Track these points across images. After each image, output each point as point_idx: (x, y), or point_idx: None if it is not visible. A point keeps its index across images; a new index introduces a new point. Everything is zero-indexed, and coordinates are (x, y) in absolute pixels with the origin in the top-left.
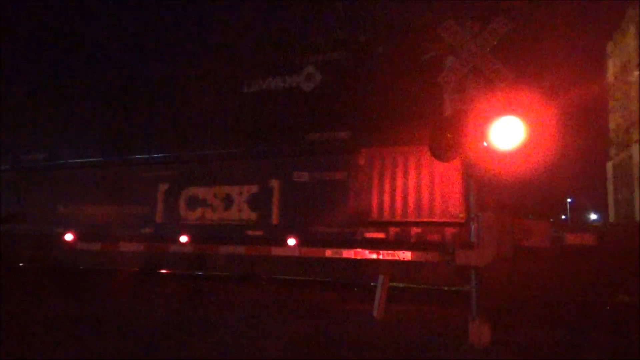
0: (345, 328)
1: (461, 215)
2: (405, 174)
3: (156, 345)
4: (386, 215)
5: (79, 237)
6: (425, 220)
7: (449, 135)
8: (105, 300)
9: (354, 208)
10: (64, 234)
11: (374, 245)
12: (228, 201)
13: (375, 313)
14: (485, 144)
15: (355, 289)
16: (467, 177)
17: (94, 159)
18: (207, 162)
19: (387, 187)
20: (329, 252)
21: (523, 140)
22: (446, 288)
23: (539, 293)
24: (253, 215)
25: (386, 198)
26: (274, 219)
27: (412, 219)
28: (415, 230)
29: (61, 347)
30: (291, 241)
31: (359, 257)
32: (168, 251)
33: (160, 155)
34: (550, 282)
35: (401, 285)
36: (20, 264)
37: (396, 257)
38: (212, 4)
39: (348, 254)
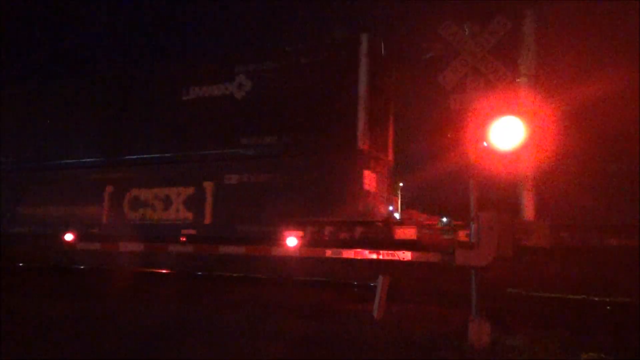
0: (345, 328)
1: (372, 214)
2: (322, 176)
3: (156, 345)
4: (304, 215)
5: (78, 237)
6: (337, 219)
7: (449, 135)
8: (105, 300)
9: (277, 208)
10: (65, 234)
11: (374, 245)
12: (167, 202)
13: (375, 313)
14: (485, 144)
15: (355, 289)
16: (467, 177)
17: (45, 163)
18: (149, 165)
19: (305, 188)
20: (328, 252)
21: (523, 140)
22: (446, 288)
23: (539, 293)
24: (189, 215)
25: (304, 199)
26: (207, 218)
27: (326, 218)
28: (328, 229)
29: (61, 347)
30: (292, 241)
31: (359, 257)
32: (166, 251)
33: (107, 159)
34: (550, 282)
35: (401, 285)
36: (20, 264)
37: (396, 257)
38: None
39: (348, 254)
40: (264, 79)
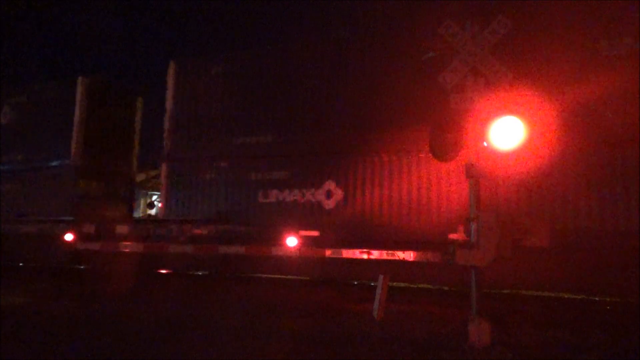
0: (345, 328)
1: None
2: (50, 185)
3: (156, 345)
4: (40, 215)
5: (78, 237)
6: (60, 218)
7: (449, 135)
8: (105, 300)
9: (25, 209)
10: (65, 234)
11: (374, 245)
12: None
13: (375, 313)
14: (485, 144)
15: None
16: (466, 177)
17: None
18: None
19: (42, 195)
20: (328, 252)
21: (523, 140)
22: (446, 288)
23: (539, 293)
24: None
25: (41, 202)
26: None
27: (53, 217)
28: (45, 225)
29: (61, 347)
30: (292, 241)
31: (359, 257)
32: (168, 251)
33: None
34: (550, 282)
35: (401, 285)
36: (20, 264)
37: (396, 257)
38: None
39: (348, 254)
40: (21, 109)
